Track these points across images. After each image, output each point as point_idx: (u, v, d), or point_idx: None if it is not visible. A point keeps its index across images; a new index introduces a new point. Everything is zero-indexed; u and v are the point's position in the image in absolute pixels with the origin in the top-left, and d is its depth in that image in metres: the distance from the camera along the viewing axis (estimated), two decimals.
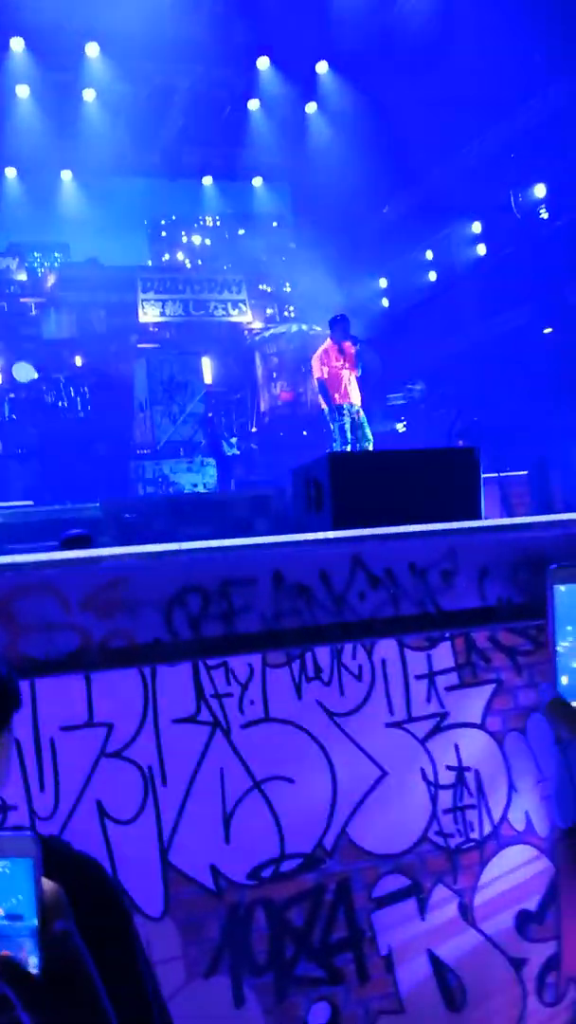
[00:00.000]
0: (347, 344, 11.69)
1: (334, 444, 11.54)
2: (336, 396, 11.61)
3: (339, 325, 11.82)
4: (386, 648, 3.24)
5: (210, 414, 16.28)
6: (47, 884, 1.06)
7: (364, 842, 3.12)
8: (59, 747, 2.87)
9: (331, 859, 3.07)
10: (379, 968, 3.08)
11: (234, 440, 16.32)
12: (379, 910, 3.10)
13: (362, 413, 11.59)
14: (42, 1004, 1.03)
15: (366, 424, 11.56)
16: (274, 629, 3.18)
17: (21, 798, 2.81)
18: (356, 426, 11.44)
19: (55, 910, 1.06)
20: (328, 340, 11.93)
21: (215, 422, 16.12)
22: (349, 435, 11.47)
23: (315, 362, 11.88)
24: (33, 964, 1.03)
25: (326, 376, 11.77)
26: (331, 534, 3.43)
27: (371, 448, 11.39)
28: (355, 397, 11.58)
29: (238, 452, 16.03)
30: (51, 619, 2.90)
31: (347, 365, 11.58)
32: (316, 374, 11.90)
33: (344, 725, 3.16)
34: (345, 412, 11.50)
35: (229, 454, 15.76)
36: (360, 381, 11.70)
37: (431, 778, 3.23)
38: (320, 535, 3.43)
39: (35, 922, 1.03)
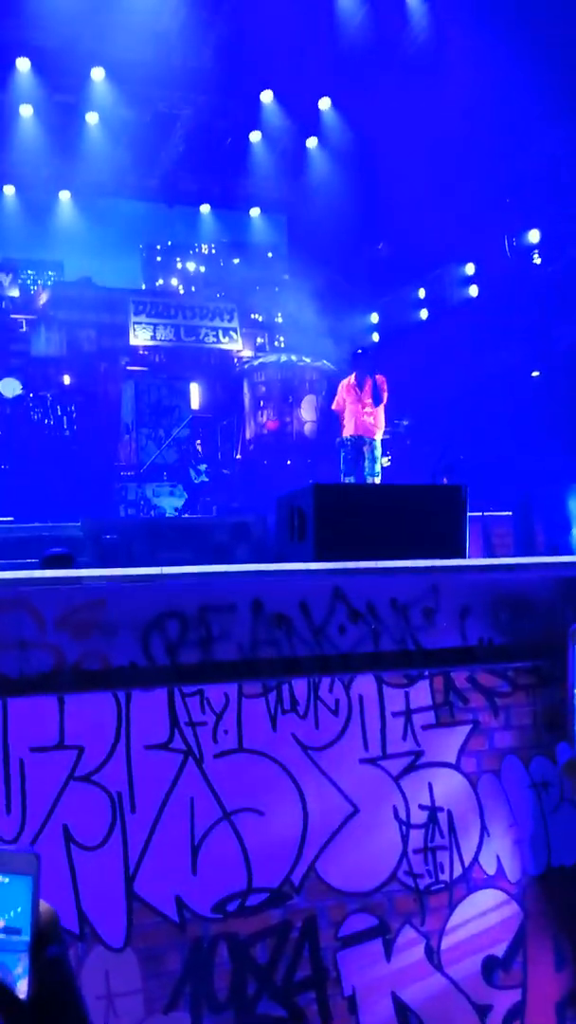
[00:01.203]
0: (368, 380, 11.80)
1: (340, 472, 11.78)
2: (342, 428, 11.84)
3: (357, 360, 12.01)
4: (364, 684, 3.22)
5: (178, 436, 16.29)
6: (43, 907, 1.05)
7: (332, 879, 3.07)
8: (28, 768, 2.82)
9: (298, 895, 3.02)
10: (342, 1009, 3.02)
11: (203, 467, 16.31)
12: (345, 949, 3.05)
13: (375, 447, 11.65)
14: None
15: (374, 459, 11.60)
16: (251, 659, 3.15)
17: None
18: (359, 459, 11.51)
19: (49, 934, 1.05)
20: (353, 374, 12.11)
21: (184, 449, 16.15)
22: (343, 467, 11.58)
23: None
24: (22, 989, 1.01)
25: (335, 408, 12.10)
26: (313, 565, 3.40)
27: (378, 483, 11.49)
28: (362, 430, 11.66)
29: (207, 479, 16.03)
30: (25, 637, 2.86)
31: (358, 399, 11.68)
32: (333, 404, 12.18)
33: (318, 759, 3.12)
34: (348, 444, 11.63)
35: (197, 481, 15.76)
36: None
37: (403, 816, 3.19)
38: (302, 566, 3.41)
39: (28, 938, 1.02)
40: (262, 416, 18.65)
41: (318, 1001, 3.01)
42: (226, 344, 21.08)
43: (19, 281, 21.34)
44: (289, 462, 16.84)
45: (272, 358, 19.54)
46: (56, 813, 2.83)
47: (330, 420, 13.99)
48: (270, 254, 21.98)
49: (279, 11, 14.64)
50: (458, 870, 3.24)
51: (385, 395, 11.64)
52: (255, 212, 21.18)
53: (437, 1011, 3.13)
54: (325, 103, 17.07)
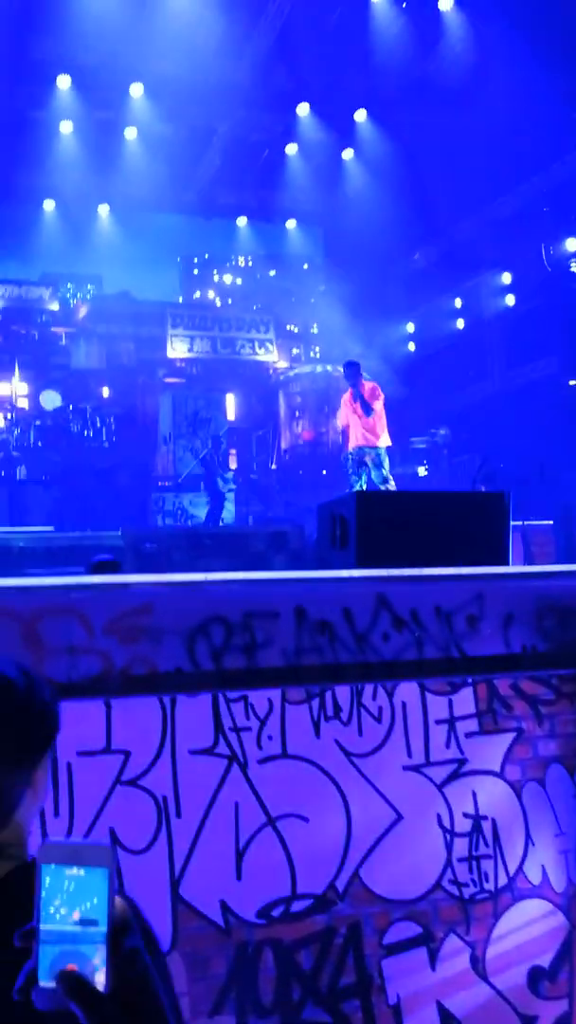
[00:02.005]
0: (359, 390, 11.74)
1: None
2: (347, 443, 11.81)
3: (345, 372, 11.90)
4: (407, 691, 3.22)
5: (203, 451, 16.34)
6: (117, 901, 1.05)
7: (376, 886, 3.07)
8: (76, 772, 2.86)
9: (342, 902, 3.03)
10: (387, 1017, 3.02)
11: (229, 475, 16.38)
12: (389, 957, 3.04)
13: (379, 455, 11.56)
14: (108, 1021, 1.00)
15: (379, 467, 11.53)
16: (295, 665, 3.16)
17: (36, 821, 2.79)
18: (362, 470, 11.43)
19: (124, 927, 1.05)
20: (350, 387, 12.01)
21: (210, 459, 16.22)
22: (353, 478, 11.50)
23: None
24: (100, 980, 1.01)
25: (340, 424, 12.17)
26: (356, 572, 3.42)
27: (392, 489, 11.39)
28: (362, 441, 11.61)
29: (234, 487, 16.08)
30: (75, 642, 2.90)
31: (354, 410, 11.63)
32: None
33: (361, 766, 3.13)
34: (350, 458, 11.59)
35: (224, 490, 15.82)
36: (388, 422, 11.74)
37: (447, 825, 3.19)
38: (345, 573, 3.42)
39: (106, 929, 1.03)
40: (297, 426, 18.72)
41: (363, 1008, 3.00)
42: (262, 355, 21.17)
43: (59, 295, 21.57)
44: (324, 472, 16.86)
45: (307, 369, 19.60)
46: (103, 816, 2.86)
47: None
48: (306, 266, 22.05)
49: (316, 24, 14.75)
50: (503, 879, 3.23)
51: (376, 403, 11.47)
52: (291, 224, 21.26)
53: (482, 1021, 3.12)
54: (361, 115, 17.12)
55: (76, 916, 1.03)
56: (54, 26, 14.14)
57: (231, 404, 19.56)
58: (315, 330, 21.40)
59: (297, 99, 16.72)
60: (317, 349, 21.08)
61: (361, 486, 11.24)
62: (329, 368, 18.29)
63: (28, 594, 2.94)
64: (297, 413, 19.08)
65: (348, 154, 18.09)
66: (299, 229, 21.43)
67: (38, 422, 17.07)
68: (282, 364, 21.15)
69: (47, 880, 1.04)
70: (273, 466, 18.42)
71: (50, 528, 13.05)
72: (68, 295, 21.56)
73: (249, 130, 17.46)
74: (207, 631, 3.07)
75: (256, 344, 21.06)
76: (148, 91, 16.20)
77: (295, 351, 21.41)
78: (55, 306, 21.33)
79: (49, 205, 19.58)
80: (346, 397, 11.79)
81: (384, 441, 11.51)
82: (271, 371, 21.04)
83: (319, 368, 18.89)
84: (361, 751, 3.13)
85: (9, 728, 1.39)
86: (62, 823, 2.82)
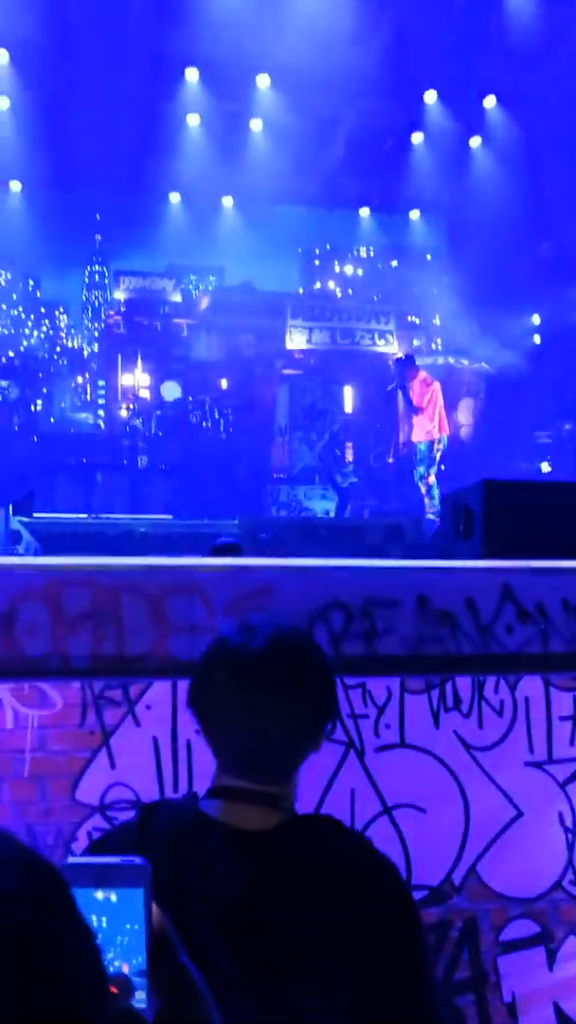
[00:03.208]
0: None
1: None
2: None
3: (396, 366, 11.74)
4: (531, 685, 3.14)
5: (319, 444, 16.34)
6: (156, 914, 0.98)
7: (494, 882, 3.01)
8: (195, 750, 2.89)
9: (459, 895, 2.98)
10: (502, 1014, 2.96)
11: (348, 469, 16.33)
12: (505, 955, 2.98)
13: (418, 453, 11.38)
14: None
15: (415, 464, 11.37)
16: (415, 654, 3.12)
17: (156, 796, 2.84)
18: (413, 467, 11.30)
19: (166, 943, 1.00)
20: None
21: (327, 455, 16.20)
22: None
23: None
24: (141, 998, 0.94)
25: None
26: (481, 563, 3.35)
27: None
28: (411, 437, 11.47)
29: (355, 480, 16.02)
30: (196, 621, 2.94)
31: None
32: None
33: (481, 759, 3.07)
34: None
35: (344, 485, 15.78)
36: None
37: (569, 824, 3.09)
38: (469, 563, 3.36)
39: (145, 958, 0.94)
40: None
41: (477, 1003, 2.95)
42: (382, 347, 21.04)
43: (182, 287, 22.00)
44: (443, 467, 16.66)
45: (428, 361, 19.38)
46: None
47: (489, 423, 13.72)
48: (429, 256, 21.80)
49: (445, 10, 14.51)
50: None
51: (422, 398, 11.22)
52: (415, 214, 21.06)
53: None
54: (490, 101, 16.79)
55: (112, 950, 0.94)
56: (183, 19, 14.35)
57: (349, 396, 19.51)
58: (437, 321, 21.14)
59: (424, 86, 16.52)
60: (439, 341, 20.83)
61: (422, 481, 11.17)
62: (451, 360, 18.04)
63: (155, 573, 3.00)
64: None
65: (476, 142, 17.77)
66: (422, 219, 21.20)
67: (158, 412, 17.46)
68: (402, 356, 20.98)
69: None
70: (390, 459, 18.30)
71: (169, 516, 13.32)
72: (191, 287, 21.98)
73: (374, 119, 17.35)
74: (326, 616, 3.06)
75: (376, 335, 20.94)
76: (275, 82, 16.28)
77: (416, 342, 21.21)
78: (178, 298, 21.77)
79: (175, 197, 19.94)
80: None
81: (422, 436, 11.29)
82: (391, 363, 20.90)
83: (440, 360, 18.65)
84: (481, 744, 3.07)
85: (314, 695, 1.48)
86: None
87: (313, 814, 1.53)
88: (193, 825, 1.46)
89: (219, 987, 1.25)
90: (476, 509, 3.62)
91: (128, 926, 0.94)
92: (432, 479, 11.26)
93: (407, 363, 11.65)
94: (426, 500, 11.29)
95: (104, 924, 0.94)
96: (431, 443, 11.23)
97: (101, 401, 24.85)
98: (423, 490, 11.34)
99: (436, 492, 11.21)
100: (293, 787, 1.50)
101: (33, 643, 2.88)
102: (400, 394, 11.42)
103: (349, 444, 17.68)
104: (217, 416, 17.55)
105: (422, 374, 11.52)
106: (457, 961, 2.95)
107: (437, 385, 11.46)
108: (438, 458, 11.26)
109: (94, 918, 0.93)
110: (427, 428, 11.27)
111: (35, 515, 10.44)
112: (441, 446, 11.33)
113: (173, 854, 1.41)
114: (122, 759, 2.87)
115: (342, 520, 13.97)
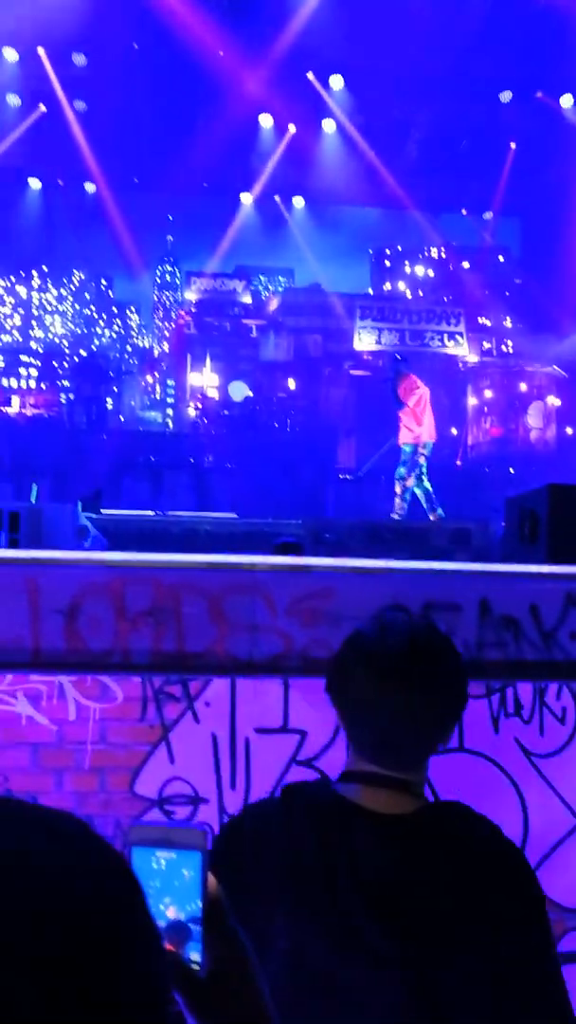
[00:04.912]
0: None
1: None
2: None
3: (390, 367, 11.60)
4: None
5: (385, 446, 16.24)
6: (211, 879, 1.04)
7: (553, 892, 2.95)
8: (253, 748, 2.91)
9: None
10: None
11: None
12: (565, 965, 2.92)
13: (402, 454, 11.21)
14: (207, 1005, 0.99)
15: (401, 463, 11.22)
16: (476, 659, 3.09)
17: (213, 792, 2.87)
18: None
19: (220, 906, 1.04)
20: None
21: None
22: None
23: None
24: (196, 961, 0.99)
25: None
26: (545, 568, 3.30)
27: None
28: (399, 437, 11.34)
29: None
30: (257, 620, 2.95)
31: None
32: None
33: (542, 767, 3.02)
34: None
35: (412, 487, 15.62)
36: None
37: None
38: (533, 568, 3.31)
39: (200, 913, 1.01)
40: (485, 422, 18.32)
41: None
42: (451, 348, 20.85)
43: (251, 288, 22.13)
44: (512, 470, 16.44)
45: (499, 363, 19.17)
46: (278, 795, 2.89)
47: (561, 427, 13.50)
48: (501, 258, 21.57)
49: (522, 9, 14.33)
50: None
51: (407, 397, 11.04)
52: (488, 215, 20.85)
53: None
54: (567, 100, 16.54)
55: (168, 900, 1.01)
56: (256, 20, 14.41)
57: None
58: (508, 323, 20.90)
59: (500, 87, 16.34)
60: (510, 343, 20.58)
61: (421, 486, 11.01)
62: (522, 363, 17.81)
63: (215, 572, 3.02)
64: (486, 409, 18.70)
65: (551, 142, 17.50)
66: (496, 220, 20.98)
67: (226, 412, 17.56)
68: (472, 358, 20.76)
69: (137, 863, 1.01)
70: (459, 463, 18.14)
71: (233, 515, 13.39)
72: (260, 288, 22.08)
73: (449, 120, 17.22)
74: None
75: (446, 337, 20.76)
76: (348, 82, 16.27)
77: (486, 345, 20.99)
78: (247, 299, 21.87)
79: (246, 199, 20.06)
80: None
81: (407, 438, 11.12)
82: (460, 365, 20.70)
83: (511, 363, 18.43)
84: (542, 751, 3.02)
85: (448, 690, 1.55)
86: (238, 797, 2.88)
87: (444, 800, 1.61)
88: (334, 807, 1.54)
89: (368, 960, 1.38)
90: (542, 513, 3.57)
91: (185, 876, 1.01)
92: (411, 482, 11.14)
93: (399, 363, 11.58)
94: (397, 500, 11.23)
95: (163, 868, 1.02)
96: (415, 447, 11.12)
97: (170, 400, 25.14)
98: (398, 489, 11.24)
99: (421, 496, 11.13)
100: (424, 775, 1.57)
101: (96, 637, 2.93)
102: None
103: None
104: (283, 416, 17.60)
105: (412, 377, 11.40)
106: None
107: (426, 391, 11.33)
108: (423, 463, 11.14)
109: (153, 870, 1.01)
110: (414, 432, 11.16)
111: (103, 511, 10.59)
112: (426, 451, 11.20)
113: (318, 834, 1.50)
114: (181, 754, 2.90)
115: (408, 523, 13.88)
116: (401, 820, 1.51)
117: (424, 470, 11.17)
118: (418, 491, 11.21)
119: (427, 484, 11.09)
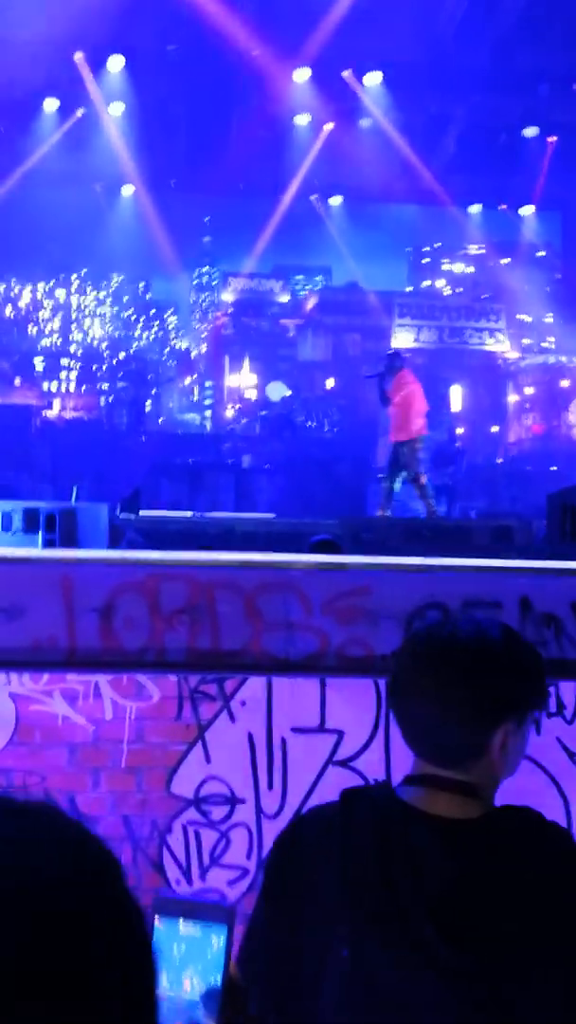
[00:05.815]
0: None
1: None
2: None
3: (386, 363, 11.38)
4: None
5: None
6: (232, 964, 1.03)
7: None
8: (290, 748, 2.87)
9: None
10: None
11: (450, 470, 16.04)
12: None
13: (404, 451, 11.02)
14: None
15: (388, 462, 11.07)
16: None
17: (250, 793, 2.84)
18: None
19: (238, 995, 1.03)
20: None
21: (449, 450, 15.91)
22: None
23: None
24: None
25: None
26: None
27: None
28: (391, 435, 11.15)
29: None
30: (293, 618, 2.92)
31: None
32: None
33: None
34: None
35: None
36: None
37: None
38: (574, 564, 3.25)
39: (221, 992, 0.99)
40: (527, 419, 18.15)
41: None
42: (491, 345, 20.67)
43: (289, 287, 22.11)
44: (555, 468, 16.25)
45: (540, 359, 18.97)
46: (314, 796, 2.85)
47: None
48: (542, 253, 21.32)
49: (558, 1, 14.15)
50: None
51: (395, 393, 10.81)
52: (527, 211, 20.61)
53: None
54: None
55: (187, 980, 0.99)
56: (293, 19, 14.39)
57: (457, 396, 19.24)
58: (549, 319, 20.67)
59: (538, 80, 16.14)
60: (551, 339, 20.36)
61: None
62: (563, 359, 17.61)
63: (250, 570, 2.99)
64: (527, 405, 18.52)
65: None
66: (536, 215, 20.73)
67: (264, 412, 17.58)
68: (512, 354, 20.56)
69: (159, 935, 0.99)
70: (499, 460, 17.98)
71: (271, 515, 13.37)
72: (298, 287, 22.05)
73: (486, 114, 17.03)
74: (424, 616, 3.00)
75: (485, 334, 20.59)
76: (386, 79, 16.17)
77: (526, 341, 20.78)
78: (285, 298, 21.88)
79: (284, 199, 20.05)
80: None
81: (399, 436, 10.91)
82: (500, 361, 20.52)
83: (552, 359, 18.24)
84: None
85: (511, 691, 1.49)
86: (275, 797, 2.85)
87: (514, 805, 1.54)
88: (395, 812, 1.49)
89: (434, 972, 1.33)
90: None
91: (208, 955, 0.99)
92: (424, 479, 10.98)
93: (392, 358, 11.42)
94: (425, 500, 11.08)
95: (183, 950, 1.00)
96: (410, 442, 10.94)
97: (208, 402, 25.19)
98: (418, 491, 11.08)
99: (385, 492, 10.97)
100: (488, 779, 1.50)
101: (131, 636, 2.91)
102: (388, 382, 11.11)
103: (458, 443, 17.46)
104: (321, 416, 17.57)
105: (405, 372, 11.18)
106: None
107: (417, 386, 11.12)
108: (419, 458, 10.96)
109: (175, 946, 0.99)
110: (405, 428, 10.97)
111: (141, 512, 10.62)
112: (420, 445, 11.02)
113: (379, 840, 1.45)
114: (217, 753, 2.87)
115: (448, 521, 13.77)
116: (466, 825, 1.46)
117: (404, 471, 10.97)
118: (386, 485, 11.08)
119: (397, 486, 10.91)
